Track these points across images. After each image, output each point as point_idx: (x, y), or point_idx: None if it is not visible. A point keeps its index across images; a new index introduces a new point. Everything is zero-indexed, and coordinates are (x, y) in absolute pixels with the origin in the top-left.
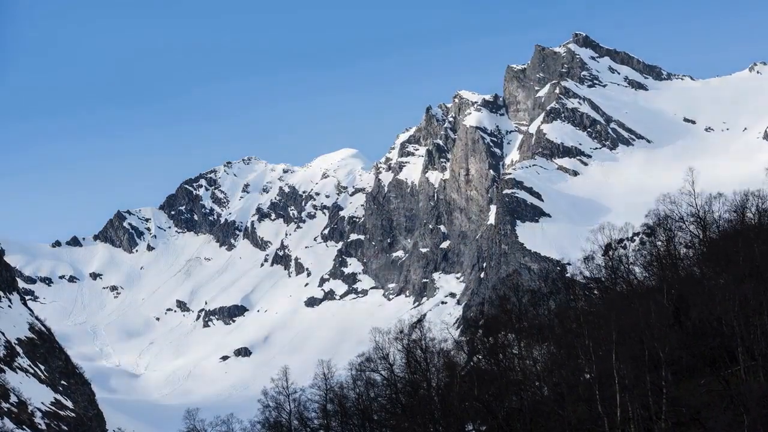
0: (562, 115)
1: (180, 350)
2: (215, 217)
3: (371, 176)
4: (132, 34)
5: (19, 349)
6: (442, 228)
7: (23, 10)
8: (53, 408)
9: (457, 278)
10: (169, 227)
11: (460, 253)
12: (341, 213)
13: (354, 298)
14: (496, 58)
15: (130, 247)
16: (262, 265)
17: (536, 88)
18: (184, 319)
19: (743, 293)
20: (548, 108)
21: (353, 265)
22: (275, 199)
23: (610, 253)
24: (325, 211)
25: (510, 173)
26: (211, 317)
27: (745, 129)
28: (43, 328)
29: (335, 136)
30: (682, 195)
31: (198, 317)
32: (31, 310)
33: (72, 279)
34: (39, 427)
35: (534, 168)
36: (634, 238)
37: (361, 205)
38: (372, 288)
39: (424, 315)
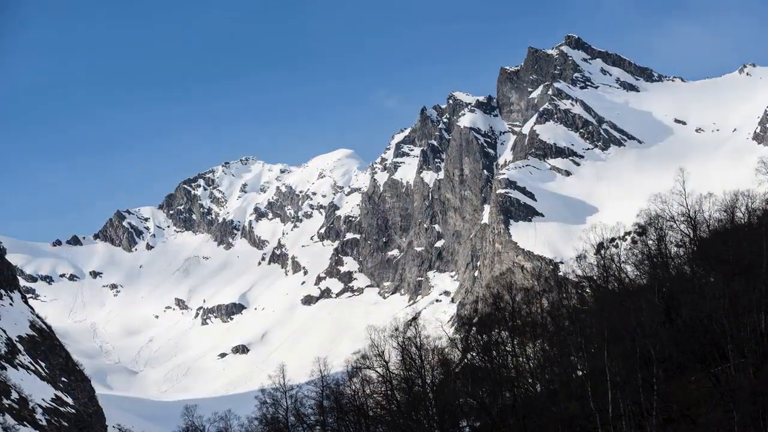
0: (555, 116)
1: (178, 348)
2: (213, 216)
3: (367, 176)
4: (130, 33)
5: (20, 346)
6: (437, 227)
7: (26, 10)
8: (54, 404)
9: (452, 277)
10: (168, 226)
11: (454, 252)
12: (337, 212)
13: (350, 297)
14: (490, 60)
15: (130, 246)
16: (259, 263)
17: (529, 89)
18: (183, 317)
19: (733, 291)
20: (541, 109)
21: (349, 264)
22: (272, 198)
23: (602, 251)
24: (321, 210)
25: (503, 173)
26: (209, 315)
27: (735, 130)
28: (43, 326)
29: (331, 136)
30: (673, 195)
31: (196, 315)
32: (32, 308)
33: (72, 277)
34: (40, 423)
35: (527, 168)
36: (626, 237)
37: (357, 205)
38: (368, 286)
39: (419, 313)
